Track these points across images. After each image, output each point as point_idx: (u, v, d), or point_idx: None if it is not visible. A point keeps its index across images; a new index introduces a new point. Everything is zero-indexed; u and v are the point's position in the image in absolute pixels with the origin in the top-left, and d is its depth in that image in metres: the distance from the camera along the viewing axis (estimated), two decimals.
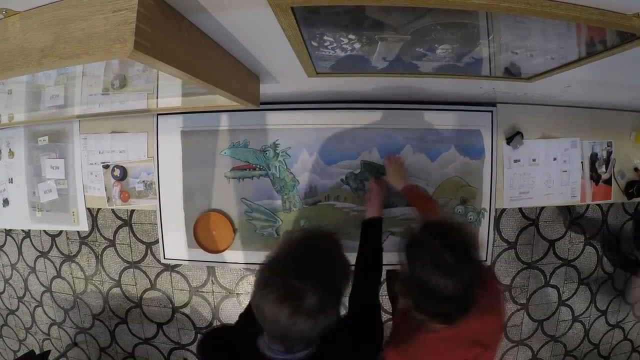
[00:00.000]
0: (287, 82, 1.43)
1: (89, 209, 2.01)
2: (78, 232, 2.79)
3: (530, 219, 2.57)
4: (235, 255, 1.85)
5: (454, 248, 0.99)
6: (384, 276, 1.95)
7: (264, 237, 1.84)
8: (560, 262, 2.65)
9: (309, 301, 0.84)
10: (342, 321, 0.98)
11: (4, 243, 3.02)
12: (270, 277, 0.89)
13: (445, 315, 1.04)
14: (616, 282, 2.73)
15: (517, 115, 1.83)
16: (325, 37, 0.92)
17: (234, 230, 1.84)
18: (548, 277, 2.66)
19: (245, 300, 2.55)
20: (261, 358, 0.94)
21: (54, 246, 2.88)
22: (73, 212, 1.99)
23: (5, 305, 3.17)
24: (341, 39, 0.93)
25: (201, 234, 1.85)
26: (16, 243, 2.98)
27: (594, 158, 1.92)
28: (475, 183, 1.81)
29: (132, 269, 2.76)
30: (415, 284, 1.02)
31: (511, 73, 1.26)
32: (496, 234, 2.55)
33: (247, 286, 2.59)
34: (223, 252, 1.84)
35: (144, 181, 1.89)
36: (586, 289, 2.72)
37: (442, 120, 1.78)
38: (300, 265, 0.89)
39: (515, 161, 1.85)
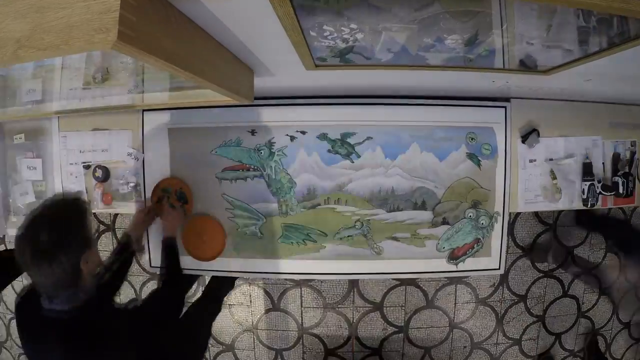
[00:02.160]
0: (283, 76, 1.43)
1: None
2: None
3: (547, 223, 2.57)
4: (227, 263, 1.85)
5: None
6: None
7: (246, 235, 1.84)
8: (581, 270, 2.64)
9: (43, 238, 1.08)
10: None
11: None
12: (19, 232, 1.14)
13: None
14: None
15: (533, 111, 1.84)
16: (325, 27, 0.92)
17: (225, 236, 1.83)
18: (566, 286, 2.65)
19: (237, 312, 2.55)
20: (40, 310, 1.18)
21: None
22: None
23: None
24: (342, 28, 0.93)
25: (190, 240, 1.85)
26: None
27: (616, 158, 1.92)
28: (488, 185, 1.81)
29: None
30: None
31: (526, 65, 1.26)
32: (510, 239, 2.54)
33: (240, 296, 2.58)
34: (214, 260, 1.84)
35: (128, 183, 1.89)
36: (607, 299, 2.71)
37: (451, 116, 1.78)
38: (39, 214, 1.16)
39: (531, 161, 1.85)
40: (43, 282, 1.14)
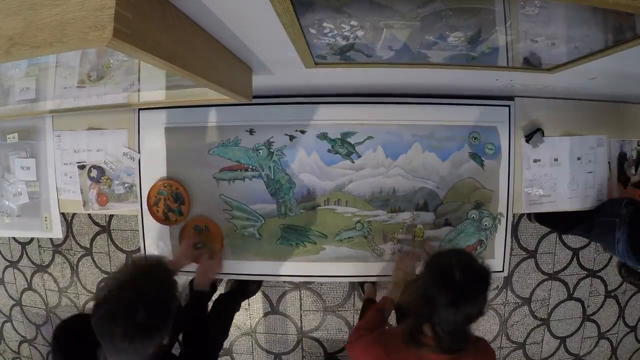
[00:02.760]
0: (282, 74, 1.43)
1: (63, 214, 2.00)
2: (51, 239, 2.78)
3: None
4: (224, 265, 1.85)
5: (468, 275, 1.14)
6: None
7: (244, 237, 1.84)
8: (585, 272, 2.65)
9: (140, 317, 1.02)
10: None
11: None
12: (106, 296, 1.06)
13: (436, 338, 1.17)
14: None
15: (537, 110, 1.84)
16: (324, 24, 0.92)
17: (223, 239, 1.84)
18: (571, 289, 2.65)
19: (235, 315, 2.55)
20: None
21: (25, 255, 2.87)
22: (45, 217, 1.98)
23: None
24: (342, 25, 0.93)
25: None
26: None
27: (622, 158, 1.92)
28: (491, 185, 1.81)
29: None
30: (419, 291, 1.20)
31: (531, 63, 1.26)
32: (514, 241, 2.55)
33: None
34: None
35: (124, 183, 1.89)
36: (614, 302, 2.71)
37: (454, 115, 1.78)
38: (132, 287, 1.08)
39: (535, 161, 1.85)
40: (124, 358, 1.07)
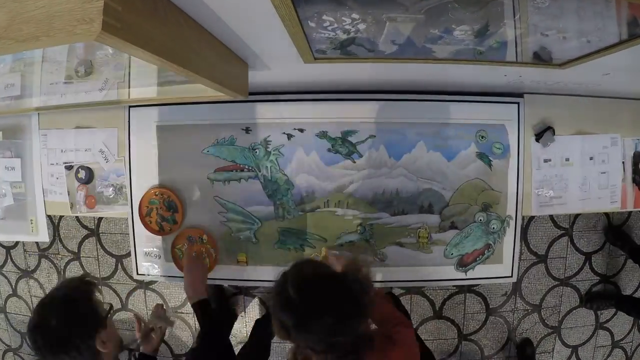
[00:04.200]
0: (280, 69, 1.43)
1: (49, 217, 2.00)
2: (37, 243, 2.78)
3: (563, 228, 2.57)
4: (219, 271, 1.85)
5: (303, 287, 1.09)
6: None
7: (240, 241, 1.84)
8: (598, 278, 2.65)
9: (53, 324, 1.14)
10: None
11: None
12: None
13: (316, 350, 1.11)
14: None
15: (548, 107, 1.84)
16: (324, 17, 0.92)
17: (218, 249, 1.84)
18: (584, 295, 2.65)
19: (234, 325, 2.55)
20: None
21: (9, 260, 2.87)
22: (31, 220, 1.98)
23: None
24: (343, 18, 0.93)
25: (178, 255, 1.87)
26: None
27: (637, 157, 1.92)
28: (499, 186, 1.81)
29: (100, 287, 2.75)
30: (273, 317, 1.14)
31: (541, 58, 1.26)
32: (523, 245, 2.55)
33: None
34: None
35: (113, 185, 1.89)
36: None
37: (460, 113, 1.78)
38: (47, 305, 1.21)
39: (546, 161, 1.85)
40: None
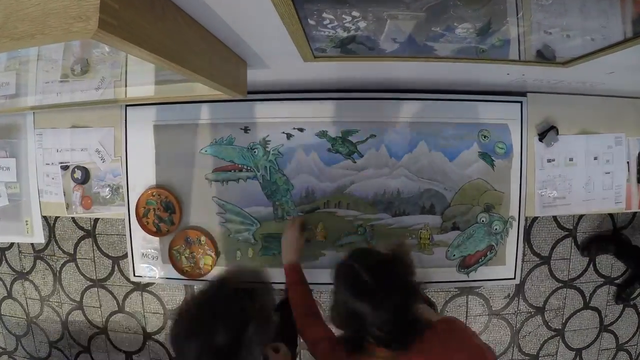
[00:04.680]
0: (279, 68, 1.43)
1: (45, 218, 2.00)
2: (32, 244, 2.77)
3: (567, 229, 2.57)
4: (217, 273, 1.84)
5: (374, 271, 1.15)
6: None
7: (239, 242, 1.84)
8: (602, 280, 2.65)
9: (219, 340, 0.98)
10: None
11: None
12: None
13: (378, 338, 1.17)
14: None
15: (551, 106, 1.84)
16: (324, 15, 0.92)
17: (217, 252, 1.84)
18: (588, 297, 2.65)
19: None
20: None
21: (4, 261, 2.86)
22: (26, 221, 1.98)
23: None
24: (343, 16, 0.93)
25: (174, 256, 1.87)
26: None
27: None
28: (502, 187, 1.81)
29: (96, 288, 2.75)
30: (341, 309, 1.21)
31: (544, 57, 1.26)
32: (526, 246, 2.54)
33: None
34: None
35: (109, 185, 1.89)
36: (632, 312, 2.71)
37: (462, 112, 1.78)
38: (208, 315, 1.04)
39: (549, 161, 1.86)
40: None
